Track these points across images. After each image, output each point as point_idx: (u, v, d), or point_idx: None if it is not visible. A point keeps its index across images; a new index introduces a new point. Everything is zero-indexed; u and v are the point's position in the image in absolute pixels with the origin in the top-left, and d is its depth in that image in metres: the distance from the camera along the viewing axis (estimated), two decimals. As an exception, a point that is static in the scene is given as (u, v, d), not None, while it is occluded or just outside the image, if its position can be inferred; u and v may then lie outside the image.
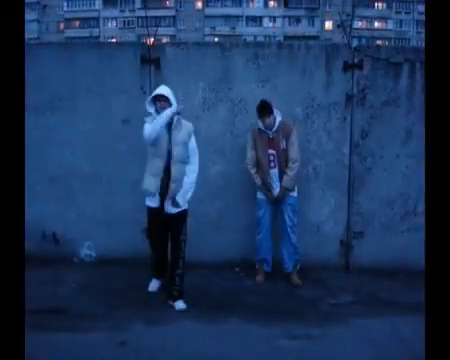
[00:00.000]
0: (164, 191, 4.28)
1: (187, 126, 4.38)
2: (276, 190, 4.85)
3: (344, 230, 5.32)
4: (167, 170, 4.26)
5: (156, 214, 4.37)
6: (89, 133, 5.23)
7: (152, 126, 4.18)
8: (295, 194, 4.93)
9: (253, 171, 4.90)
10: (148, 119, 4.31)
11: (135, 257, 5.08)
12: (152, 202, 4.37)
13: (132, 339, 3.72)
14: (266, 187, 4.86)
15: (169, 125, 4.24)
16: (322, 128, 5.18)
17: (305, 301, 4.55)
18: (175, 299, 4.35)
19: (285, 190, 4.83)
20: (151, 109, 4.32)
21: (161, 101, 4.26)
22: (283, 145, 4.79)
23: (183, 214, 4.37)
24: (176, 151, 4.25)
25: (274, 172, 4.84)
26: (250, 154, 4.91)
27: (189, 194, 4.38)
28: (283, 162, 4.81)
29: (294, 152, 4.80)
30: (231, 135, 5.22)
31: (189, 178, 4.36)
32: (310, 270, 5.09)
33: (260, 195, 4.95)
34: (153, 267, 4.75)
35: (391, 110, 5.17)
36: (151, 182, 4.31)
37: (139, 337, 3.76)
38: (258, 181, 4.89)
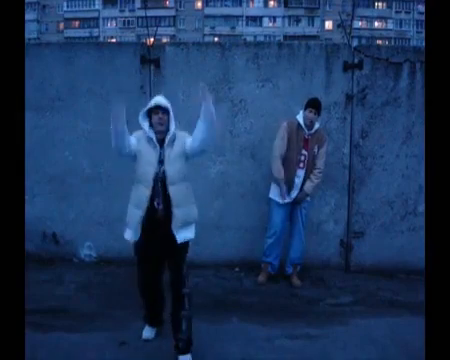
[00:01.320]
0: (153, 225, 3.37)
1: (181, 135, 3.49)
2: (295, 192, 4.76)
3: (344, 230, 5.32)
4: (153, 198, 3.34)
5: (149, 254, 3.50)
6: (89, 133, 5.23)
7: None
8: (309, 200, 4.89)
9: (279, 163, 4.70)
10: (136, 135, 3.46)
11: (135, 257, 5.07)
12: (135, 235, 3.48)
13: (132, 339, 3.72)
14: (289, 184, 4.73)
15: (161, 141, 3.40)
16: (322, 128, 5.17)
17: (305, 301, 4.56)
18: (182, 352, 3.43)
19: (305, 195, 4.77)
20: (144, 124, 3.44)
21: (159, 113, 3.38)
22: (314, 150, 4.73)
23: (186, 244, 3.54)
24: (171, 171, 3.36)
25: (301, 172, 4.74)
26: (280, 144, 4.71)
27: None
28: (311, 166, 4.75)
29: (323, 163, 4.78)
30: (231, 135, 5.22)
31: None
32: (310, 270, 5.10)
33: (274, 196, 4.84)
34: (147, 313, 3.81)
35: (391, 110, 5.17)
36: (133, 215, 3.44)
37: (139, 337, 3.75)
38: (282, 175, 4.69)
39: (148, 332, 3.79)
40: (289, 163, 4.72)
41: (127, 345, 3.64)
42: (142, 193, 3.35)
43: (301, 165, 4.74)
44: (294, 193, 4.77)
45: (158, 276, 3.64)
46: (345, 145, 5.22)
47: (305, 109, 4.70)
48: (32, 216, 4.94)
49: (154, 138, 3.40)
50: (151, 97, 5.10)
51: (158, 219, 3.36)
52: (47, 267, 5.08)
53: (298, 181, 4.75)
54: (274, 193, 4.84)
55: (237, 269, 5.26)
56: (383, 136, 5.20)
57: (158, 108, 3.40)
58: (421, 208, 5.18)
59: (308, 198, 4.85)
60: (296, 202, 4.80)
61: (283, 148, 4.71)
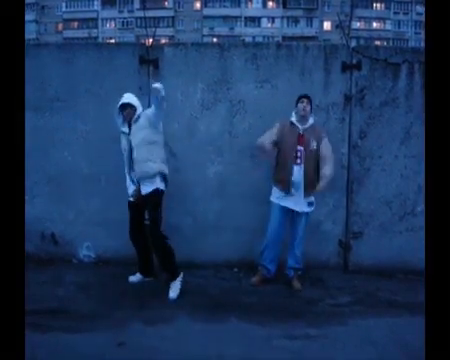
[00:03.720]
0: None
1: (145, 114, 4.56)
2: (295, 190, 4.65)
3: (343, 230, 5.33)
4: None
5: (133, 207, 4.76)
6: (88, 133, 5.24)
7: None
8: (313, 208, 4.81)
9: (267, 144, 4.67)
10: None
11: (134, 257, 5.07)
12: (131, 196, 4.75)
13: (131, 339, 3.72)
14: (285, 187, 4.67)
15: (129, 124, 4.63)
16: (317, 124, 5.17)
17: (304, 301, 4.56)
18: (169, 281, 4.57)
19: (318, 189, 4.64)
20: (119, 120, 4.64)
21: (127, 109, 4.56)
22: (313, 146, 4.67)
23: (155, 194, 4.57)
24: (137, 140, 4.54)
25: (298, 169, 4.62)
26: (266, 136, 4.71)
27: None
28: (312, 163, 4.66)
29: (328, 156, 4.69)
30: (229, 136, 5.23)
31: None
32: (309, 270, 5.10)
33: (275, 199, 4.79)
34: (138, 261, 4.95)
35: (389, 110, 5.18)
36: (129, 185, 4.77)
37: (138, 337, 3.76)
38: (267, 145, 4.66)
39: (134, 277, 4.90)
40: (284, 160, 4.68)
41: (126, 345, 3.64)
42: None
43: (298, 161, 4.63)
44: (294, 191, 4.66)
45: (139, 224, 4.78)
46: (343, 145, 5.22)
47: (296, 104, 4.72)
48: (31, 216, 4.94)
49: (126, 128, 4.65)
50: (150, 97, 5.14)
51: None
52: (46, 268, 5.08)
53: (296, 179, 4.62)
54: (275, 196, 4.81)
55: (236, 269, 5.26)
56: (381, 136, 5.21)
57: (126, 105, 4.56)
58: (419, 208, 5.20)
59: (312, 208, 4.78)
60: (299, 202, 4.69)
61: (269, 138, 4.69)
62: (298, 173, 4.64)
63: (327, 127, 5.16)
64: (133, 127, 4.57)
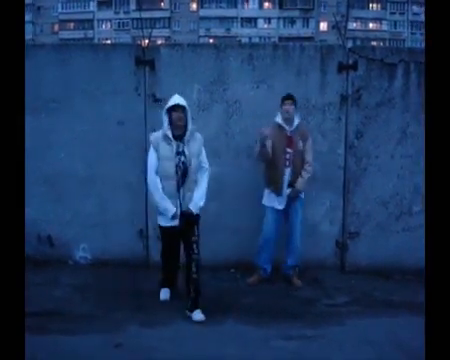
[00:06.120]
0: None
1: (198, 138, 4.20)
2: (285, 191, 4.77)
3: (339, 230, 5.33)
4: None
5: (173, 232, 4.21)
6: (84, 135, 5.22)
7: (152, 191, 4.12)
8: (303, 196, 4.89)
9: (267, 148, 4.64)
10: (155, 135, 4.16)
11: (130, 258, 5.08)
12: (171, 221, 4.13)
13: (128, 340, 3.71)
14: (277, 190, 4.75)
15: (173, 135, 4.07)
16: (317, 129, 5.18)
17: (301, 301, 4.56)
18: (192, 309, 4.11)
19: (297, 192, 4.77)
20: (165, 122, 4.08)
21: (178, 111, 4.01)
22: (300, 146, 4.74)
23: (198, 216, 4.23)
24: (191, 169, 4.08)
25: (288, 171, 4.74)
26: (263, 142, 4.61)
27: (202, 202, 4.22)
28: (298, 163, 4.75)
29: (311, 156, 4.80)
30: (226, 136, 5.23)
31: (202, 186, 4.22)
32: (306, 270, 5.10)
33: (267, 203, 4.86)
34: (164, 278, 4.56)
35: (386, 110, 5.19)
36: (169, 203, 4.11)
37: (135, 338, 3.75)
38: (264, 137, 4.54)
39: (165, 294, 4.51)
40: (276, 165, 4.73)
41: (123, 346, 3.63)
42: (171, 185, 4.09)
43: (287, 163, 4.73)
44: (284, 197, 4.78)
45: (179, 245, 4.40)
46: (340, 146, 5.23)
47: (281, 105, 4.73)
48: (27, 218, 4.89)
49: (170, 134, 4.06)
50: (146, 99, 5.14)
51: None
52: (42, 269, 5.06)
53: (287, 180, 4.75)
54: (267, 200, 4.88)
55: (233, 270, 5.26)
56: (378, 137, 5.21)
57: (177, 107, 3.99)
58: (416, 208, 5.20)
59: (302, 195, 4.85)
60: (289, 200, 4.79)
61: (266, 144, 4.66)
62: (288, 174, 4.75)
63: (323, 127, 5.18)
64: (190, 144, 4.08)
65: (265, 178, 4.88)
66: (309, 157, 4.79)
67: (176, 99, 4.04)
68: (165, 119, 4.07)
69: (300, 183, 4.76)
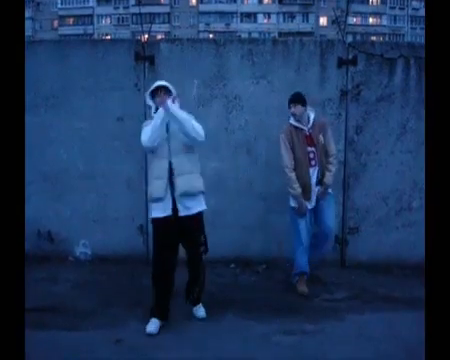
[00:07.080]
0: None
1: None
2: (314, 196, 4.53)
3: (339, 226, 5.32)
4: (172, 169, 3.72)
5: (167, 225, 3.77)
6: (83, 131, 5.22)
7: (150, 131, 3.64)
8: (331, 191, 4.66)
9: (293, 176, 4.42)
10: (147, 122, 3.89)
11: (130, 255, 5.08)
12: (162, 211, 3.76)
13: (128, 337, 3.72)
14: (306, 195, 4.47)
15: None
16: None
17: (301, 297, 4.56)
18: (195, 303, 4.10)
19: (326, 188, 4.55)
20: (150, 102, 3.85)
21: (161, 93, 3.74)
22: (321, 140, 4.52)
23: (200, 216, 3.91)
24: (176, 142, 3.73)
25: (314, 171, 4.50)
26: (287, 157, 4.44)
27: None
28: (322, 159, 4.52)
29: (333, 146, 4.60)
30: (226, 132, 5.22)
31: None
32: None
33: (295, 204, 4.54)
34: (156, 304, 3.88)
35: (386, 106, 5.18)
36: (158, 186, 3.73)
37: (135, 334, 3.75)
38: (298, 189, 4.42)
39: (153, 325, 3.78)
40: (300, 167, 4.48)
41: (123, 342, 3.64)
42: (162, 164, 3.75)
43: (313, 163, 4.50)
44: (314, 196, 4.54)
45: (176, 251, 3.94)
46: (340, 141, 5.22)
47: (289, 108, 4.51)
48: (27, 214, 4.89)
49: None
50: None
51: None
52: (42, 265, 5.07)
53: (314, 179, 4.52)
54: (294, 201, 4.56)
55: (233, 265, 5.26)
56: (378, 132, 5.21)
57: (160, 88, 3.78)
58: (415, 204, 5.21)
59: (330, 190, 4.63)
60: (319, 199, 4.56)
61: (291, 156, 4.46)
62: (314, 175, 4.52)
63: (323, 123, 5.16)
64: (172, 125, 3.74)
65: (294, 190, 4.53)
66: (331, 149, 4.58)
67: (158, 82, 3.85)
68: (152, 104, 3.85)
69: (328, 178, 4.53)
